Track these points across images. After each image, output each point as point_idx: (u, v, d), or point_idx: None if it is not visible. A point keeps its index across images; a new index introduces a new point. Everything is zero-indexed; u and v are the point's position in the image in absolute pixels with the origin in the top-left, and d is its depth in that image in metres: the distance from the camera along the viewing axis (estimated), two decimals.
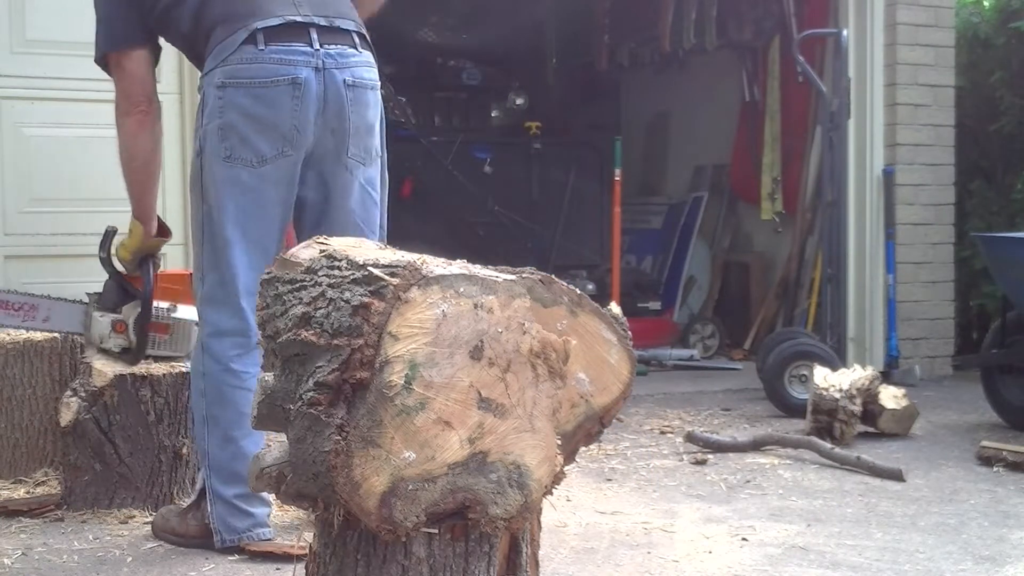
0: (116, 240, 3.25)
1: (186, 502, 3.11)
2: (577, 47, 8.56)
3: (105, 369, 3.29)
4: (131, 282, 3.24)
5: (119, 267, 3.25)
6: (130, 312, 3.23)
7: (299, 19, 2.78)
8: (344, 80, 2.83)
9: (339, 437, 1.56)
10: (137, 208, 3.17)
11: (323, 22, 2.82)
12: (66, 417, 3.29)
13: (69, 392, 3.35)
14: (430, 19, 8.09)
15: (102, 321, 3.25)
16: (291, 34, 2.77)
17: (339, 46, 2.84)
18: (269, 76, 2.76)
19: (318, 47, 2.79)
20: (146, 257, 3.20)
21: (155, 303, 3.24)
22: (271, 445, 1.87)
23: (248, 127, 2.78)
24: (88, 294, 3.36)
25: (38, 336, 3.61)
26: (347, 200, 2.93)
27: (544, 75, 8.62)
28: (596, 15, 8.37)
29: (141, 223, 3.16)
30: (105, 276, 3.28)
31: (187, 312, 3.28)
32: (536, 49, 8.62)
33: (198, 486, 3.04)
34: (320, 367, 1.59)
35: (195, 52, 2.93)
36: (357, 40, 2.91)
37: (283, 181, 2.84)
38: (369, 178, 2.96)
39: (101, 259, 3.24)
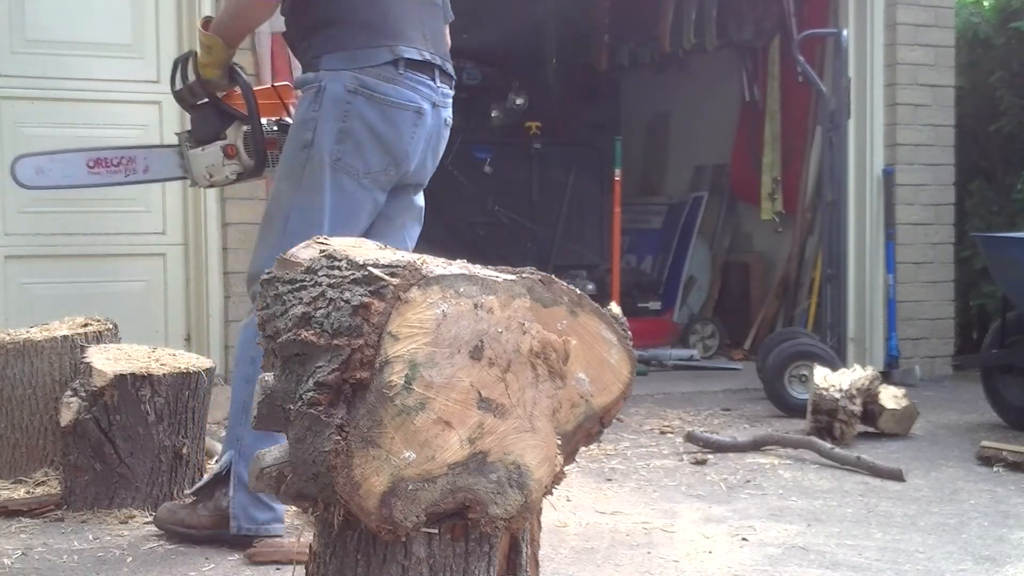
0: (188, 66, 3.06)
1: (190, 498, 3.09)
2: (577, 47, 8.56)
3: (105, 369, 3.29)
4: (230, 103, 3.06)
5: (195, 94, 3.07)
6: (236, 133, 3.05)
7: (428, 57, 2.95)
8: (445, 119, 3.04)
9: (339, 437, 1.56)
10: (228, 30, 3.00)
11: (439, 62, 2.99)
12: (66, 417, 3.29)
13: (69, 392, 3.35)
14: None
15: (207, 153, 3.05)
16: (423, 68, 2.93)
17: (446, 87, 3.03)
18: (402, 100, 2.88)
19: (437, 84, 2.97)
20: (233, 69, 3.05)
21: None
22: (271, 446, 1.86)
23: (367, 139, 2.87)
24: (177, 134, 3.19)
25: (38, 336, 3.61)
26: (406, 216, 3.14)
27: (544, 75, 8.62)
28: (596, 15, 8.37)
29: (224, 40, 2.98)
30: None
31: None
32: (536, 49, 8.62)
33: (210, 476, 3.02)
34: (320, 367, 1.59)
35: (309, 16, 2.92)
36: (453, 83, 3.10)
37: (377, 195, 2.96)
38: (420, 196, 3.20)
39: (179, 92, 3.06)
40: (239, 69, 3.03)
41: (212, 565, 2.85)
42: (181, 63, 3.05)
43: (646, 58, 8.22)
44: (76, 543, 3.04)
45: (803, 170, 7.17)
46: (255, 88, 3.11)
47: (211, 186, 3.14)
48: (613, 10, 8.26)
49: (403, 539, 1.64)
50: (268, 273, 1.81)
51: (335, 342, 1.58)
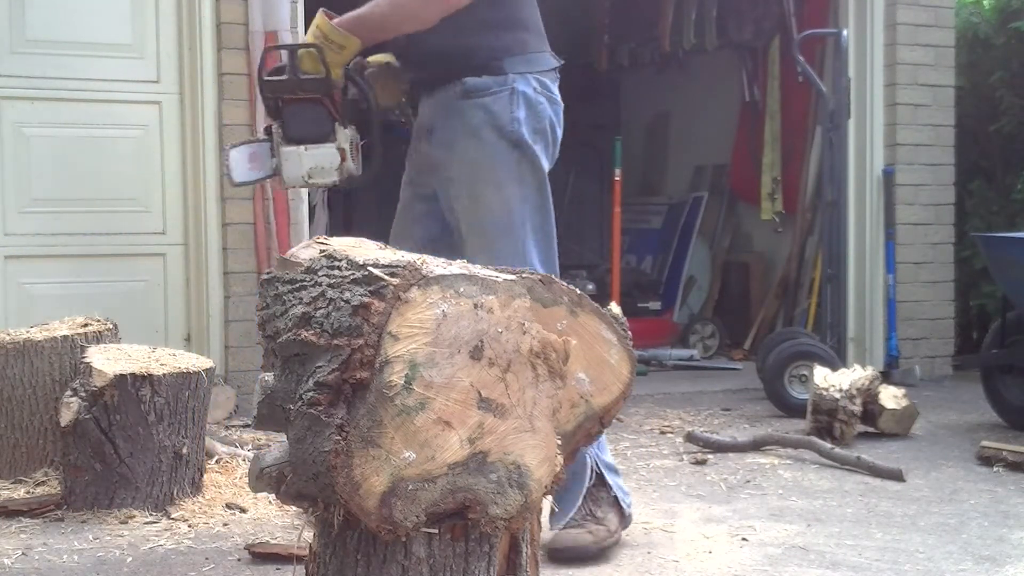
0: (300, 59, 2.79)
1: (573, 527, 2.93)
2: (577, 47, 8.55)
3: (105, 369, 3.29)
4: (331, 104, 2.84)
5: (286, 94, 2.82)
6: (344, 136, 2.85)
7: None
8: None
9: (339, 437, 1.56)
10: (373, 30, 2.83)
11: None
12: (66, 417, 3.29)
13: (69, 392, 3.34)
14: None
15: (316, 154, 2.82)
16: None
17: None
18: (561, 104, 2.98)
19: None
20: (355, 69, 2.90)
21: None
22: (271, 445, 1.87)
23: (551, 140, 2.94)
24: (269, 129, 2.89)
25: (38, 336, 3.61)
26: None
27: None
28: (596, 15, 8.37)
29: (362, 40, 2.81)
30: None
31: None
32: None
33: (582, 489, 2.93)
34: (320, 367, 1.59)
35: (479, 16, 2.82)
36: None
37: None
38: None
39: (284, 83, 2.79)
40: (357, 77, 2.89)
41: (212, 565, 2.85)
42: (292, 53, 2.80)
43: (646, 58, 8.21)
44: (76, 543, 3.04)
45: (803, 170, 7.17)
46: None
47: (303, 187, 2.97)
48: (613, 10, 8.26)
49: (403, 539, 1.64)
50: (268, 273, 1.81)
51: (335, 342, 1.58)
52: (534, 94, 2.88)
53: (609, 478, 2.98)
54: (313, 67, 2.75)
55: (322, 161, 2.83)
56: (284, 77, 2.78)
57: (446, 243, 2.97)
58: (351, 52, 2.80)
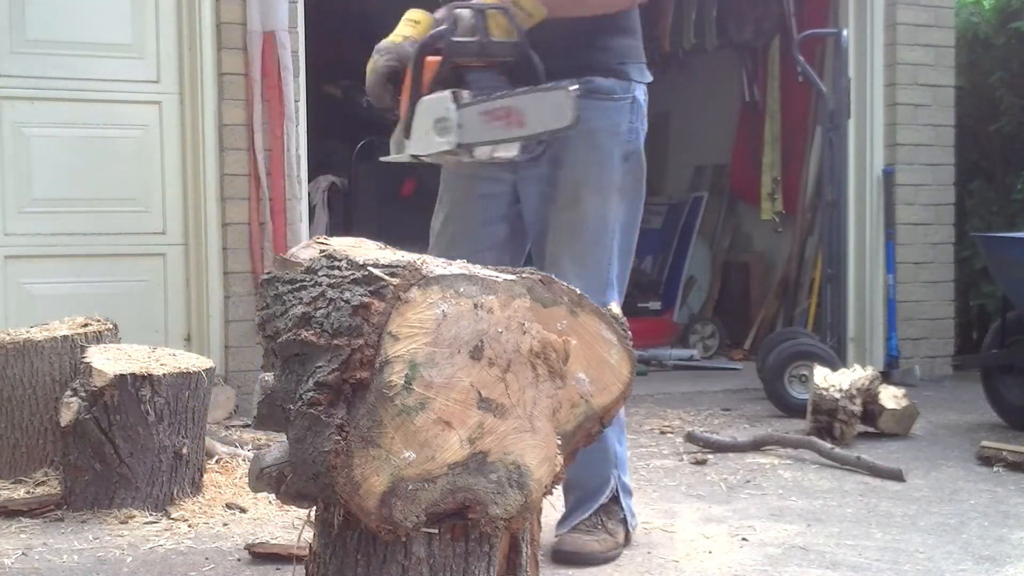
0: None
1: (577, 531, 2.91)
2: None
3: (105, 369, 3.29)
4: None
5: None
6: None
7: None
8: None
9: (339, 437, 1.56)
10: (562, 6, 2.64)
11: None
12: (66, 417, 3.29)
13: (69, 392, 3.34)
14: None
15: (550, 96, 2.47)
16: None
17: None
18: None
19: None
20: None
21: None
22: (271, 445, 1.87)
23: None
24: (455, 92, 2.50)
25: (38, 336, 3.61)
26: None
27: None
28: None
29: (546, 12, 2.59)
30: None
31: None
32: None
33: (596, 504, 2.92)
34: (320, 367, 1.58)
35: (612, 18, 2.78)
36: None
37: None
38: None
39: (487, 47, 2.51)
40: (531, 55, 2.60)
41: (212, 565, 2.85)
42: (480, 14, 2.53)
43: (646, 58, 8.20)
44: (76, 543, 3.04)
45: (803, 170, 7.17)
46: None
47: (487, 162, 2.60)
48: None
49: (403, 539, 1.64)
50: (268, 273, 1.81)
51: (335, 342, 1.58)
52: (644, 104, 2.85)
53: (623, 499, 2.96)
54: (504, 31, 2.53)
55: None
56: (471, 39, 2.51)
57: (510, 249, 2.91)
58: (535, 23, 2.59)
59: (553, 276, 1.73)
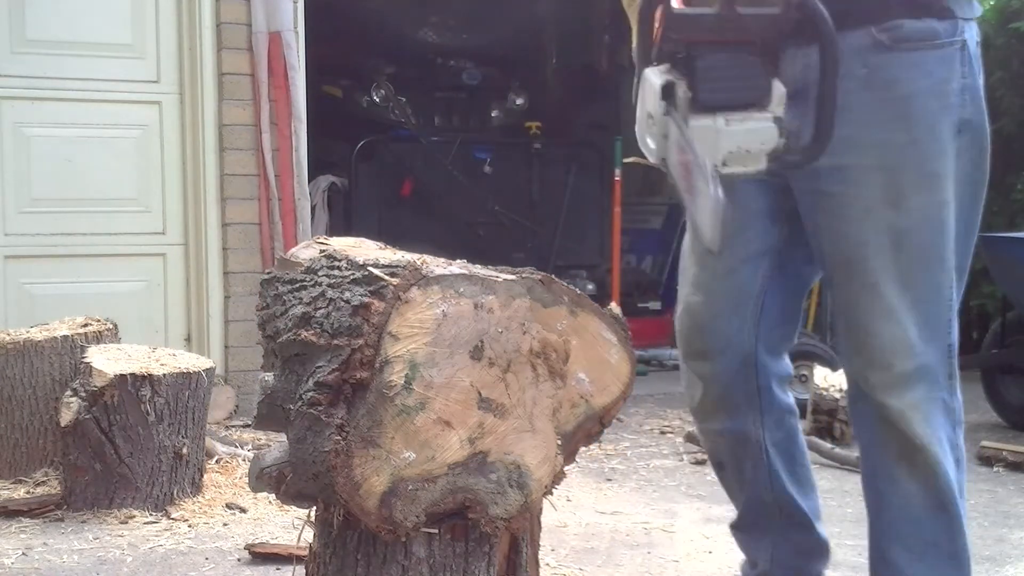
0: None
1: None
2: (577, 47, 8.56)
3: (105, 369, 3.29)
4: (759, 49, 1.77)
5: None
6: (780, 98, 1.78)
7: None
8: None
9: (339, 437, 1.56)
10: None
11: None
12: (66, 417, 3.29)
13: (69, 392, 3.35)
14: (430, 19, 8.09)
15: (746, 129, 1.76)
16: None
17: None
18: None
19: None
20: None
21: None
22: (271, 445, 1.87)
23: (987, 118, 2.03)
24: (667, 87, 1.77)
25: (38, 336, 3.61)
26: None
27: (544, 75, 8.62)
28: (596, 15, 8.37)
29: None
30: None
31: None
32: (536, 49, 8.62)
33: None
34: (320, 367, 1.58)
35: None
36: None
37: None
38: None
39: (703, 18, 1.76)
40: None
41: (212, 565, 2.85)
42: None
43: None
44: (76, 543, 3.04)
45: None
46: None
47: (713, 176, 1.78)
48: (613, 10, 8.24)
49: (403, 539, 1.64)
50: (268, 273, 1.81)
51: (335, 342, 1.58)
52: (977, 49, 1.98)
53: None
54: None
55: (749, 140, 1.78)
56: (708, 11, 1.79)
57: (783, 268, 2.18)
58: None
59: (552, 277, 1.68)
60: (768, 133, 1.79)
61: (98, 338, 3.66)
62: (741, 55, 1.82)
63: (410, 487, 1.60)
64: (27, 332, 3.68)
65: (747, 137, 1.79)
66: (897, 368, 1.97)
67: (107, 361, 3.35)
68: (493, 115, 8.24)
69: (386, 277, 1.59)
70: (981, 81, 1.98)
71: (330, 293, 1.63)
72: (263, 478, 1.71)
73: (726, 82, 1.82)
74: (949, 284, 1.97)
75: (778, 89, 1.80)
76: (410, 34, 7.80)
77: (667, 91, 1.81)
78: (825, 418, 4.48)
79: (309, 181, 5.42)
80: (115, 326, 3.81)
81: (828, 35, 1.78)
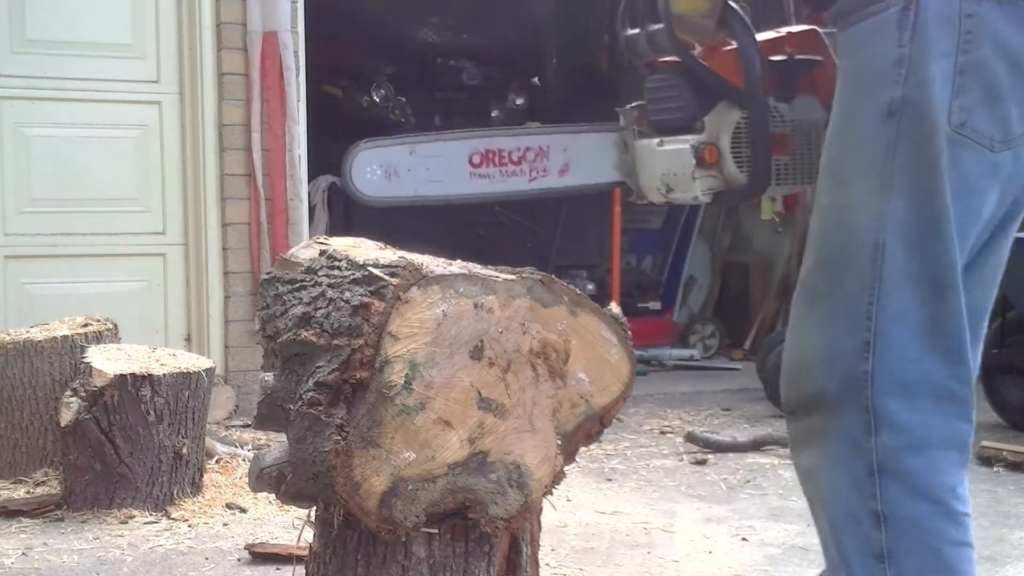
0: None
1: None
2: (577, 47, 8.56)
3: (105, 369, 3.29)
4: (714, 68, 1.65)
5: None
6: (721, 123, 1.78)
7: None
8: None
9: (339, 437, 1.56)
10: None
11: None
12: (66, 417, 3.29)
13: (69, 392, 3.34)
14: (430, 19, 8.09)
15: (668, 152, 1.73)
16: None
17: None
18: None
19: None
20: (727, 7, 1.72)
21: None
22: (271, 445, 1.87)
23: (1007, 74, 1.61)
24: (622, 111, 1.67)
25: (38, 336, 3.61)
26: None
27: (544, 75, 8.62)
28: (596, 15, 8.36)
29: None
30: None
31: (808, 109, 1.81)
32: (536, 49, 8.62)
33: None
34: (320, 367, 1.58)
35: None
36: None
37: (1010, 179, 1.67)
38: None
39: (627, 40, 1.66)
40: (737, 9, 1.71)
41: (212, 565, 2.85)
42: None
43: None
44: (76, 543, 3.04)
45: None
46: (762, 38, 1.66)
47: (667, 203, 1.67)
48: (613, 10, 8.25)
49: (403, 539, 1.64)
50: (268, 273, 1.81)
51: (335, 342, 1.58)
52: (958, 5, 1.61)
53: None
54: (690, 5, 1.67)
55: (677, 164, 1.74)
56: (652, 28, 1.68)
57: None
58: None
59: (552, 277, 1.70)
60: (685, 156, 1.67)
61: (98, 338, 3.66)
62: (675, 78, 1.70)
63: (410, 487, 1.60)
64: (27, 332, 3.68)
65: (677, 163, 1.65)
66: (796, 391, 1.73)
67: (107, 361, 3.35)
68: (493, 115, 8.24)
69: (386, 277, 1.59)
70: (946, 44, 1.59)
71: (330, 293, 1.63)
72: (263, 478, 1.71)
73: (660, 106, 1.71)
74: (871, 293, 1.64)
75: (722, 115, 1.65)
76: (410, 34, 7.80)
77: (624, 116, 1.69)
78: None
79: (309, 181, 5.42)
80: (115, 326, 3.81)
81: (751, 76, 1.74)
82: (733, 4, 1.69)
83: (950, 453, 1.64)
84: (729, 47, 1.67)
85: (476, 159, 1.71)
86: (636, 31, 1.75)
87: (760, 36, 1.67)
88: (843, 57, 1.68)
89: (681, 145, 1.69)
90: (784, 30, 1.78)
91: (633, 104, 1.67)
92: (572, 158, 1.66)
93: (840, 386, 1.64)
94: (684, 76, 1.72)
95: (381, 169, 1.72)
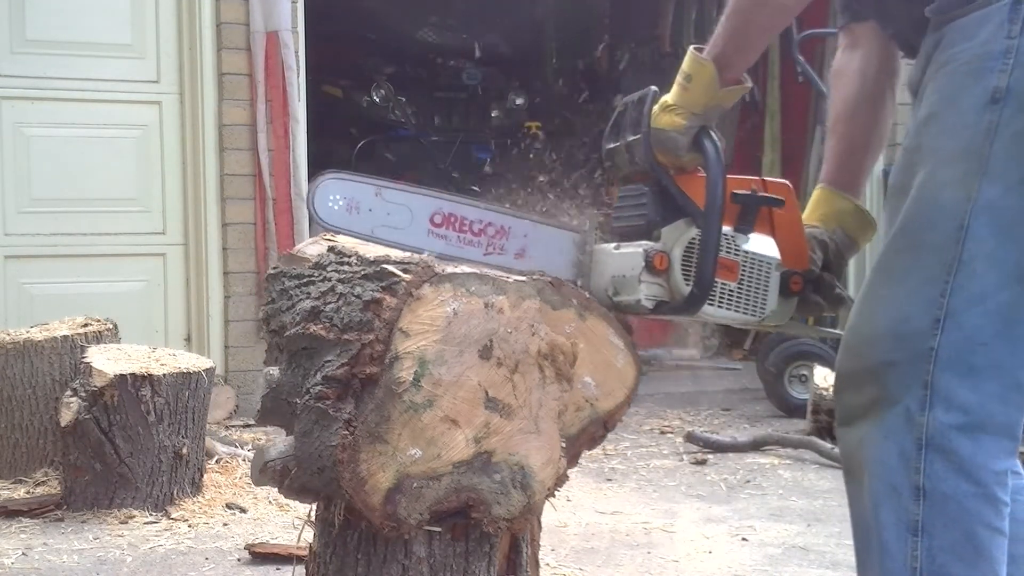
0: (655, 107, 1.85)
1: None
2: (577, 47, 8.56)
3: (105, 369, 3.28)
4: (681, 187, 1.85)
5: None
6: (676, 237, 1.84)
7: None
8: None
9: (347, 432, 1.55)
10: (727, 47, 1.86)
11: None
12: (66, 417, 3.28)
13: (69, 392, 3.34)
14: (430, 19, 8.10)
15: (621, 255, 1.87)
16: None
17: None
18: None
19: None
20: (705, 132, 1.87)
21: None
22: (275, 440, 1.86)
23: None
24: (590, 212, 2.04)
25: (38, 336, 3.61)
26: None
27: (544, 75, 8.62)
28: (596, 15, 8.37)
29: (717, 67, 1.84)
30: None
31: (763, 246, 1.93)
32: (536, 49, 8.63)
33: None
34: (329, 361, 1.58)
35: None
36: None
37: None
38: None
39: (612, 151, 1.93)
40: (713, 136, 1.87)
41: (212, 565, 2.84)
42: (632, 104, 1.94)
43: (646, 58, 8.21)
44: (76, 543, 3.03)
45: (803, 170, 7.17)
46: (732, 175, 1.91)
47: (614, 308, 1.85)
48: (613, 10, 8.25)
49: (406, 536, 1.64)
50: (274, 268, 1.81)
51: (345, 336, 1.57)
52: None
53: None
54: (669, 121, 1.86)
55: (626, 267, 1.85)
56: (631, 138, 1.92)
57: None
58: (701, 88, 1.84)
59: (562, 279, 1.68)
60: (636, 259, 1.84)
61: (98, 338, 3.66)
62: (643, 188, 1.91)
63: (415, 484, 1.59)
64: (27, 332, 3.68)
65: (626, 266, 1.85)
66: (859, 361, 1.73)
67: (107, 361, 3.35)
68: (493, 115, 8.24)
69: (399, 273, 1.58)
70: None
71: (340, 288, 1.63)
72: (267, 472, 1.70)
73: (624, 212, 1.93)
74: (945, 282, 1.63)
75: (680, 230, 1.86)
76: (410, 34, 7.80)
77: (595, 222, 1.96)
78: (825, 418, 4.48)
79: (309, 181, 5.42)
80: (115, 326, 3.80)
81: (712, 198, 1.85)
82: (712, 131, 1.78)
83: (1003, 441, 1.65)
84: (701, 175, 1.79)
85: (438, 219, 1.79)
86: (617, 143, 1.91)
87: (733, 176, 1.80)
88: (948, 47, 1.72)
89: (635, 249, 1.85)
90: (758, 178, 1.91)
91: (606, 211, 1.87)
92: (531, 244, 1.76)
93: (905, 360, 1.66)
94: (652, 187, 1.86)
95: (344, 201, 1.78)
